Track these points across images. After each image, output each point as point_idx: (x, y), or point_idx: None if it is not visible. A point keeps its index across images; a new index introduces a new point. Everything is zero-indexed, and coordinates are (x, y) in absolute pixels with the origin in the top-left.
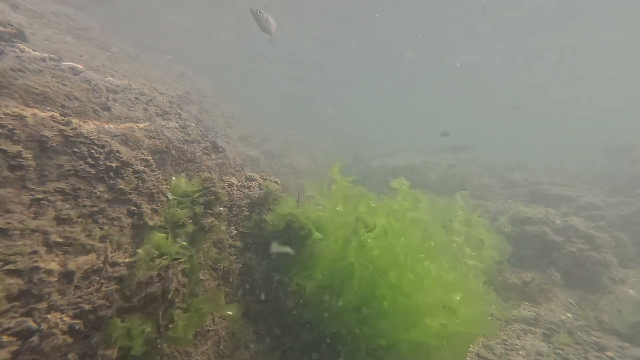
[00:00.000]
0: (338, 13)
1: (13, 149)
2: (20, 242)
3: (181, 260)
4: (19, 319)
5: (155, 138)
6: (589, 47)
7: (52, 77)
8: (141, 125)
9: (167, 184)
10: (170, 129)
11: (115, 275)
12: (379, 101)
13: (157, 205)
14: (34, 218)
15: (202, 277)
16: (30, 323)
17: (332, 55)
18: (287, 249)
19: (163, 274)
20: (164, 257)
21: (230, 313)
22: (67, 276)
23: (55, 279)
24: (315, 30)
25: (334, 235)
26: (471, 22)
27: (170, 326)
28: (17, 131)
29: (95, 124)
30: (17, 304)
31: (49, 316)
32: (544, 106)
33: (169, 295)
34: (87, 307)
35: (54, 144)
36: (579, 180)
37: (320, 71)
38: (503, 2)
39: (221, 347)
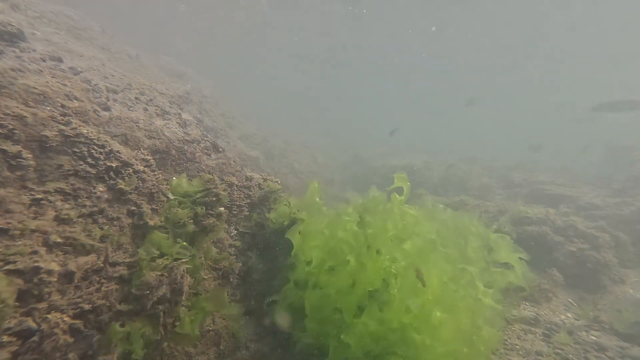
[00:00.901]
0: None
1: (13, 149)
2: (20, 242)
3: (183, 260)
4: (19, 319)
5: (155, 138)
6: (590, 45)
7: (52, 77)
8: (141, 125)
9: (167, 184)
10: (170, 129)
11: (115, 275)
12: (380, 101)
13: (157, 205)
14: (34, 218)
15: (203, 277)
16: (30, 323)
17: (338, 54)
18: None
19: (169, 275)
20: (165, 257)
21: (232, 313)
22: (67, 276)
23: (56, 279)
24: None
25: (298, 271)
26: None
27: (177, 324)
28: (17, 131)
29: (95, 124)
30: (17, 304)
31: (49, 316)
32: (543, 105)
33: (181, 298)
34: (87, 307)
35: (54, 144)
36: (579, 180)
37: (326, 69)
38: None
39: (221, 347)
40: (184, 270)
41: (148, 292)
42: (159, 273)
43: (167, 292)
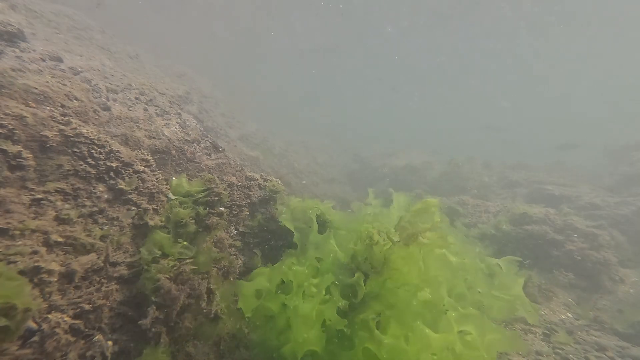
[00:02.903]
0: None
1: (13, 149)
2: (20, 242)
3: (187, 260)
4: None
5: (155, 138)
6: (590, 42)
7: (52, 77)
8: (141, 125)
9: (167, 184)
10: (170, 129)
11: (115, 275)
12: (381, 101)
13: (158, 205)
14: (34, 218)
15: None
16: (30, 323)
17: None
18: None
19: (177, 277)
20: (169, 257)
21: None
22: (67, 276)
23: (56, 279)
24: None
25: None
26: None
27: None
28: (17, 131)
29: (95, 124)
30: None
31: (49, 316)
32: (542, 105)
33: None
34: (87, 307)
35: (54, 144)
36: (579, 180)
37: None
38: None
39: (221, 347)
40: (189, 271)
41: (171, 303)
42: (168, 275)
43: (186, 300)
